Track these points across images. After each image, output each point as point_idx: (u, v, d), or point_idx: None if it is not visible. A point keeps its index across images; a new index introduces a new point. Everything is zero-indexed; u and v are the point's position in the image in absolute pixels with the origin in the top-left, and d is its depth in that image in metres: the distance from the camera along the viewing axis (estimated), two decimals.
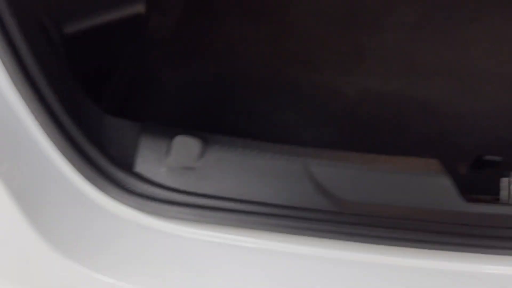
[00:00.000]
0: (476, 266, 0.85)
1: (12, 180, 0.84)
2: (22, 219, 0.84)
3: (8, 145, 0.86)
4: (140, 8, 1.63)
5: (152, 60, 1.58)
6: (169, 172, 0.93)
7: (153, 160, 0.94)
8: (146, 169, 0.94)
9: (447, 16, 1.76)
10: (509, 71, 1.52)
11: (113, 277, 0.86)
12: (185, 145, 0.94)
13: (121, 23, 1.53)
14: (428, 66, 1.53)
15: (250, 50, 1.65)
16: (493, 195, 0.99)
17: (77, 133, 0.87)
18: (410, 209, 0.88)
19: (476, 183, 1.06)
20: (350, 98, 1.42)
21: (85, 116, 0.97)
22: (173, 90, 1.50)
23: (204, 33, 1.73)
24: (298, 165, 0.92)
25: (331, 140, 1.29)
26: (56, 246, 0.86)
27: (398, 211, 0.88)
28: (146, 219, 0.88)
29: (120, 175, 0.90)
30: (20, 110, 0.85)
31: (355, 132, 1.32)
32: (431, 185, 0.89)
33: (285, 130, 1.34)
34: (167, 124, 1.35)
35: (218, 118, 1.39)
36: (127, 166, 0.94)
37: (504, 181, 0.95)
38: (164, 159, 0.94)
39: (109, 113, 1.29)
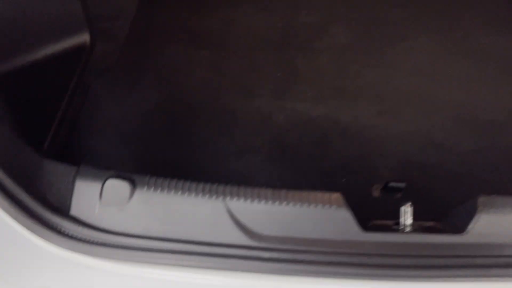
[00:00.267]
0: None
1: None
2: None
3: None
4: (84, 38, 1.70)
5: (96, 90, 1.66)
6: (102, 213, 1.03)
7: (88, 203, 1.04)
8: (81, 212, 1.03)
9: (374, 37, 1.88)
10: (428, 93, 1.65)
11: None
12: (115, 188, 1.04)
13: (64, 55, 1.59)
14: (353, 88, 1.66)
15: (190, 76, 1.75)
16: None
17: (13, 185, 0.96)
18: (316, 240, 1.00)
19: (387, 205, 1.19)
20: (280, 124, 1.54)
21: (24, 164, 1.06)
22: (116, 120, 1.58)
23: (147, 60, 1.81)
24: (219, 203, 1.02)
25: (261, 167, 1.40)
26: None
27: (305, 242, 1.00)
28: (80, 258, 0.98)
29: (56, 219, 1.00)
30: None
31: (283, 158, 1.44)
32: (333, 217, 1.01)
33: (218, 158, 1.45)
34: (108, 158, 1.45)
35: (158, 148, 1.49)
36: (65, 208, 1.04)
37: (401, 209, 1.07)
38: (97, 201, 1.04)
39: (52, 150, 1.38)
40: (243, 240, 1.00)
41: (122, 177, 1.05)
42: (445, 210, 1.23)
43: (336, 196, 1.03)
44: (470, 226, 1.00)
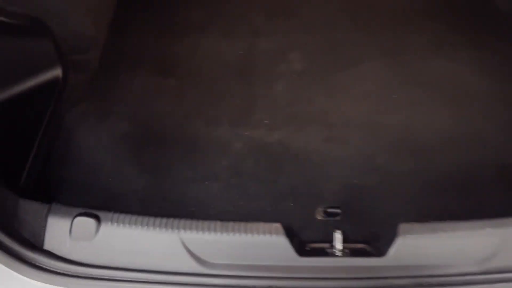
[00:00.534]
0: None
1: None
2: None
3: None
4: (57, 72, 1.82)
5: (70, 121, 1.79)
6: (72, 247, 1.18)
7: (59, 238, 1.19)
8: (54, 246, 1.18)
9: (328, 63, 2.02)
10: (373, 118, 1.80)
11: None
12: (83, 224, 1.19)
13: (38, 90, 1.70)
14: (305, 115, 1.81)
15: (158, 105, 1.88)
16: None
17: None
18: (258, 266, 1.16)
19: (327, 228, 1.35)
20: (237, 151, 1.69)
21: (1, 204, 1.21)
22: (88, 149, 1.71)
23: (118, 89, 1.94)
24: (174, 236, 1.18)
25: (219, 194, 1.55)
26: None
27: (249, 268, 1.16)
28: None
29: (30, 254, 1.15)
30: None
31: (239, 184, 1.59)
32: (273, 245, 1.18)
33: (180, 185, 1.59)
34: (81, 187, 1.59)
35: (126, 176, 1.63)
36: (39, 243, 1.19)
37: (334, 234, 1.24)
38: (68, 236, 1.19)
39: (29, 183, 1.51)
40: (195, 268, 1.16)
41: (89, 215, 1.20)
42: (380, 231, 1.40)
43: (276, 226, 1.20)
44: (391, 250, 1.17)
